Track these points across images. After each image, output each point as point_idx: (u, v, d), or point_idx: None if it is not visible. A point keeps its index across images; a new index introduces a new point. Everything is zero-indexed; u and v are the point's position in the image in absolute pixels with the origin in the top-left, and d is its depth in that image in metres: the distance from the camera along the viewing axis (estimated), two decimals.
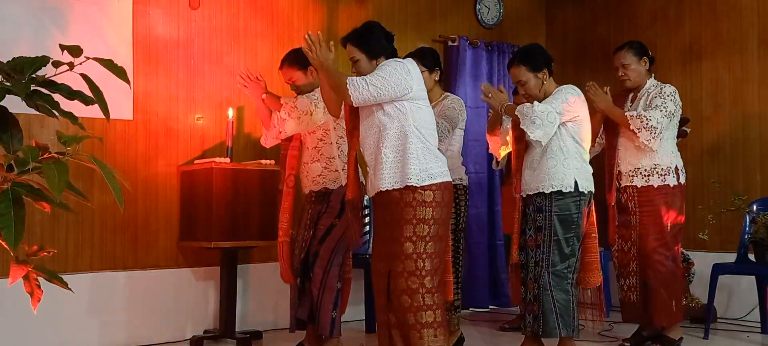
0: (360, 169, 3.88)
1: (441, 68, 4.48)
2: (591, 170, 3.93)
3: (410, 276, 3.37)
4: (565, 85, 3.92)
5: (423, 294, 3.36)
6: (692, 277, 5.53)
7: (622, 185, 4.45)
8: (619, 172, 4.46)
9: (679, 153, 4.47)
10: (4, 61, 1.79)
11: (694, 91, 5.86)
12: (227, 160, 4.73)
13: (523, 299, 3.94)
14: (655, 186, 4.37)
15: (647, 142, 4.29)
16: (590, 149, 4.44)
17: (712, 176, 5.67)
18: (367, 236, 5.09)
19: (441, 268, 3.50)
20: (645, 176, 4.39)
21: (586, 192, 3.85)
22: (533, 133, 3.72)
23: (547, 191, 3.82)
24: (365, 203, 4.47)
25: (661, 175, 4.37)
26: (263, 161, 4.87)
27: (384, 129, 3.43)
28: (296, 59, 4.15)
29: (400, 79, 3.38)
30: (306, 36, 3.42)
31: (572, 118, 3.83)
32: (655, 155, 4.37)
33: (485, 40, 6.41)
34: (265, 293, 5.19)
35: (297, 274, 4.14)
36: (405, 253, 3.37)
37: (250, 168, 4.81)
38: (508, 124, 4.21)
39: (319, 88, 3.97)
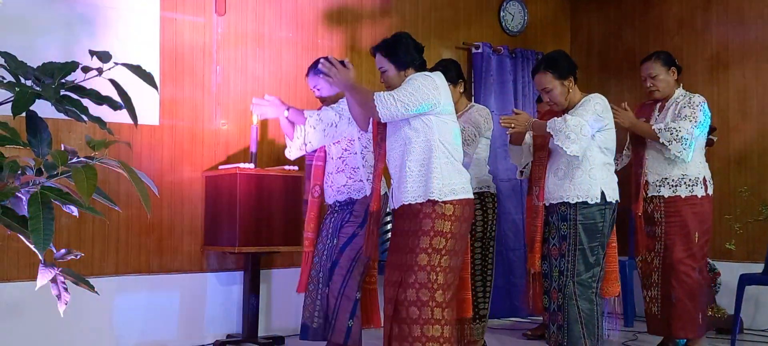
0: (384, 181, 3.88)
1: (464, 79, 4.47)
2: (616, 179, 3.90)
3: (422, 288, 3.33)
4: (592, 95, 3.88)
5: (433, 307, 3.33)
6: (718, 287, 5.47)
7: (649, 195, 4.40)
8: (646, 182, 4.41)
9: (707, 164, 4.42)
10: (35, 67, 1.81)
11: (721, 100, 5.80)
12: (251, 165, 4.75)
13: (546, 308, 3.91)
14: (683, 197, 4.31)
15: (679, 154, 4.23)
16: (617, 160, 4.41)
17: (740, 185, 5.60)
18: (386, 244, 5.08)
19: (455, 283, 3.46)
20: (672, 186, 4.33)
21: (612, 202, 3.81)
22: (569, 148, 3.66)
23: (572, 202, 3.78)
24: (387, 211, 4.46)
25: (689, 185, 4.32)
26: (287, 167, 4.89)
27: (409, 143, 3.42)
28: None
29: (428, 94, 3.37)
30: (320, 64, 3.42)
31: (600, 128, 3.80)
32: (684, 165, 4.31)
33: (509, 47, 6.39)
34: (288, 299, 5.20)
35: (315, 282, 4.13)
36: (419, 264, 3.35)
37: (274, 174, 4.83)
38: (530, 134, 4.17)
39: (344, 99, 3.97)
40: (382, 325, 3.52)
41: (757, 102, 5.66)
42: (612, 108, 4.19)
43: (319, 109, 4.19)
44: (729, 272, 5.38)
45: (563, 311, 3.76)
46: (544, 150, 3.97)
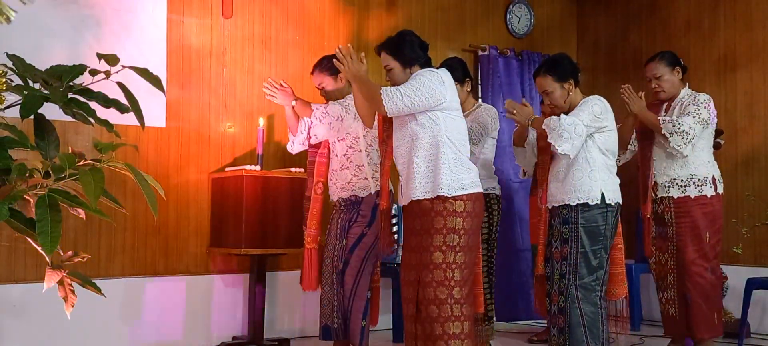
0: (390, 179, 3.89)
1: (471, 78, 4.47)
2: (618, 181, 3.88)
3: (439, 286, 3.36)
4: (591, 96, 3.87)
5: (451, 305, 3.36)
6: (726, 291, 5.44)
7: (658, 196, 4.39)
8: (655, 183, 4.40)
9: (715, 163, 4.41)
10: (43, 70, 1.82)
11: (729, 102, 5.78)
12: (257, 168, 4.76)
13: (547, 310, 3.91)
14: (692, 197, 4.30)
15: (678, 148, 4.23)
16: (621, 155, 4.41)
17: (747, 189, 5.58)
18: (396, 244, 5.08)
19: (471, 279, 3.49)
20: (681, 186, 4.32)
21: (613, 204, 3.80)
22: (561, 147, 3.68)
23: (572, 203, 3.77)
24: (394, 211, 4.46)
25: (698, 185, 4.31)
26: (293, 169, 4.90)
27: (416, 139, 3.44)
28: (327, 65, 4.19)
29: (434, 90, 3.40)
30: (337, 49, 3.45)
31: (599, 129, 3.79)
32: (692, 165, 4.31)
33: (516, 49, 6.38)
34: (294, 301, 5.20)
35: (329, 282, 4.14)
36: (434, 263, 3.37)
37: (280, 176, 4.83)
38: (533, 135, 4.18)
39: (351, 96, 3.99)
40: (404, 325, 3.54)
41: (765, 104, 5.64)
42: (625, 90, 4.22)
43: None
44: (736, 275, 5.36)
45: (565, 313, 3.76)
46: (547, 153, 3.97)
